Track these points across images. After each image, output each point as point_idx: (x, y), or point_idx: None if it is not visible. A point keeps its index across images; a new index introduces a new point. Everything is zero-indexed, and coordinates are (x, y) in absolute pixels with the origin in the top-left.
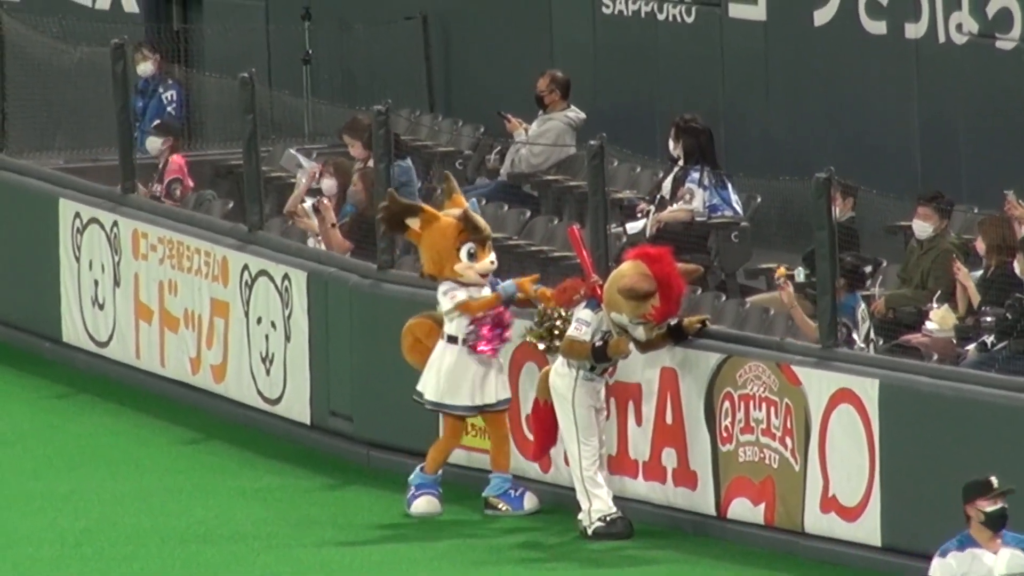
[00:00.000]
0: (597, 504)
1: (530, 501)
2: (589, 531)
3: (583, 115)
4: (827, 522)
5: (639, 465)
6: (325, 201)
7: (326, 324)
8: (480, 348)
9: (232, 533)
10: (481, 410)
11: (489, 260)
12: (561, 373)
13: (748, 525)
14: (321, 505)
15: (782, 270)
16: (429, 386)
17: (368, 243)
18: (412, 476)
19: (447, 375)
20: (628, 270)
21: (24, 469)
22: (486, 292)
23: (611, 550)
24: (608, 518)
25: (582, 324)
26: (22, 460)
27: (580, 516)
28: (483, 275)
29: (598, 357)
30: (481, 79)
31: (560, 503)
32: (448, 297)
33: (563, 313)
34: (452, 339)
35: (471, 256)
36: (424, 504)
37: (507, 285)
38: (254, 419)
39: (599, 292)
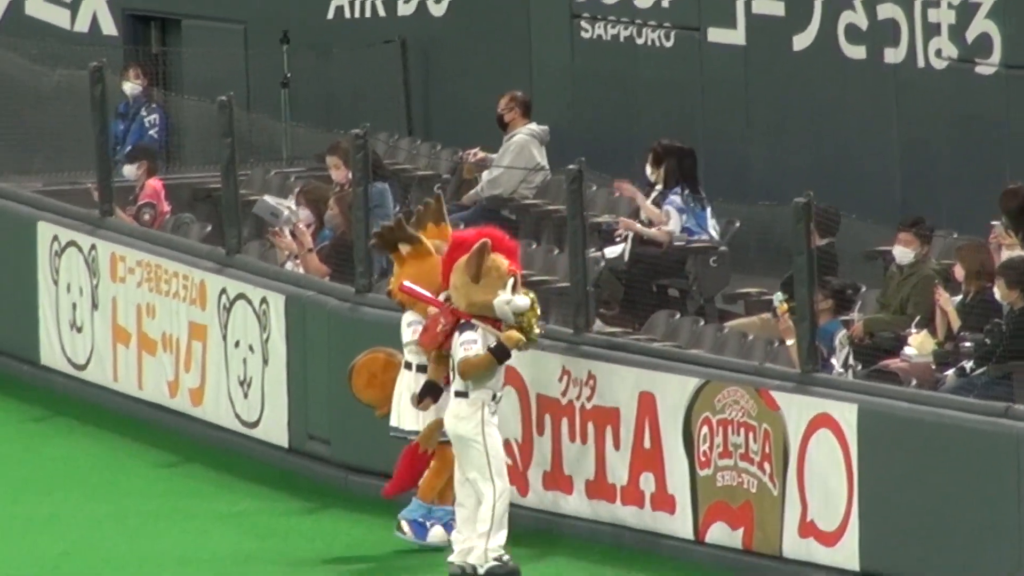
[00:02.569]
0: (495, 542)
1: (435, 536)
2: (482, 569)
3: (545, 127)
4: (805, 547)
5: (617, 489)
6: (302, 226)
7: (304, 348)
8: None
9: (209, 557)
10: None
11: None
12: (464, 416)
13: (726, 550)
14: (299, 529)
15: (784, 307)
16: (408, 417)
17: (346, 266)
18: (411, 510)
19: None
20: (457, 262)
21: (2, 493)
22: None
23: (586, 574)
24: (504, 558)
25: (469, 344)
26: (0, 484)
27: (465, 556)
28: None
29: (500, 355)
30: (460, 103)
31: (540, 528)
32: (411, 331)
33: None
34: (422, 368)
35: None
36: (441, 533)
37: None
38: (232, 442)
39: (460, 312)
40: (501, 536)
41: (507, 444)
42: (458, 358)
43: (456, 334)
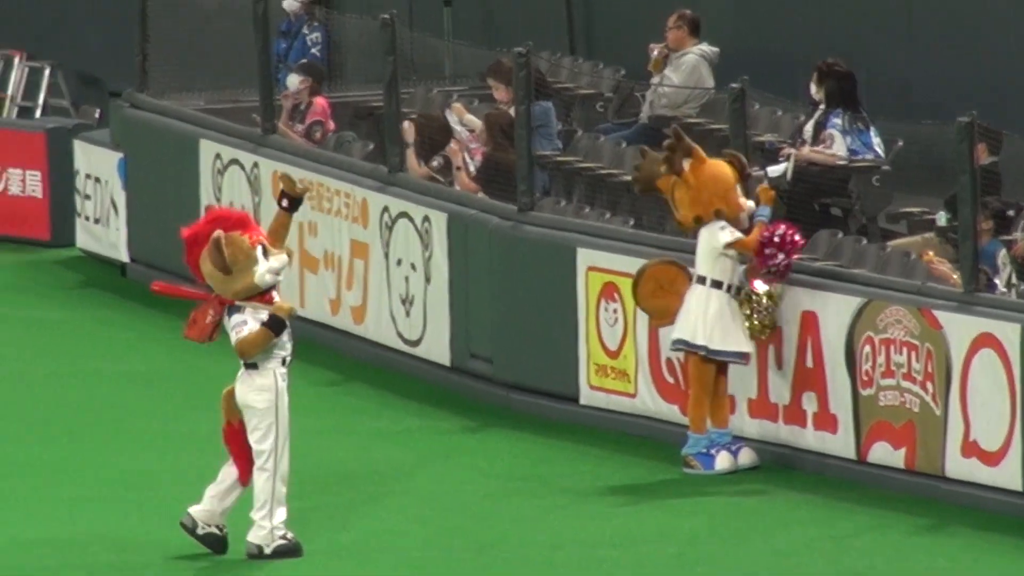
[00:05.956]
0: (278, 519)
1: (722, 462)
2: (268, 549)
3: (716, 49)
4: (968, 467)
5: (779, 409)
6: (453, 147)
7: (466, 266)
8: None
9: (371, 474)
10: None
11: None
12: (261, 387)
13: (888, 469)
14: (460, 447)
15: (930, 255)
16: (700, 333)
17: (494, 184)
18: (691, 445)
19: (717, 321)
20: (202, 256)
21: (163, 410)
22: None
23: (747, 493)
24: (289, 536)
25: (239, 326)
26: (162, 401)
27: (257, 535)
28: (749, 216)
29: (276, 327)
30: (622, 20)
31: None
32: (728, 232)
33: (755, 297)
34: (717, 284)
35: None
36: (728, 458)
37: (762, 210)
38: (394, 360)
39: (227, 300)
40: (282, 512)
41: (669, 363)
42: (233, 342)
43: (226, 318)
